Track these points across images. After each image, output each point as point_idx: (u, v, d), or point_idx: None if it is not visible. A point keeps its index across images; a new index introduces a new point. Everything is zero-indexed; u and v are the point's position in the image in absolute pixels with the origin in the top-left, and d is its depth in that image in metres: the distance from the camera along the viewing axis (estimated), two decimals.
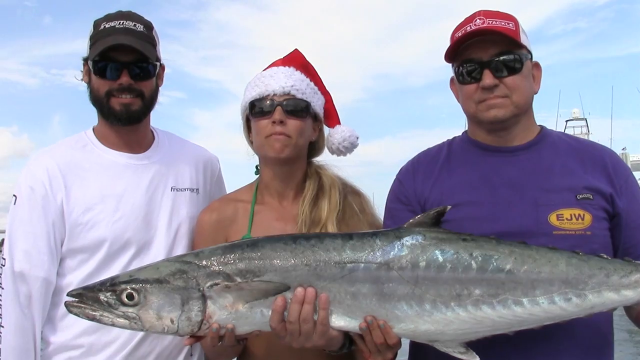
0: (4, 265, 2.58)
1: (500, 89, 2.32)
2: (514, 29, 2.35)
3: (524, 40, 2.36)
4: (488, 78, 2.30)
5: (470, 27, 2.35)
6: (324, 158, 2.78)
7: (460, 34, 2.36)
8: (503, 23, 2.34)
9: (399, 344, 2.17)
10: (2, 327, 2.52)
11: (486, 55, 2.32)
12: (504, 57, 2.32)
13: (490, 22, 2.34)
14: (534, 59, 2.44)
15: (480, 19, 2.36)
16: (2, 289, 2.55)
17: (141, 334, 2.56)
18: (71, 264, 2.61)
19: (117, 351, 2.57)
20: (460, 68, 2.39)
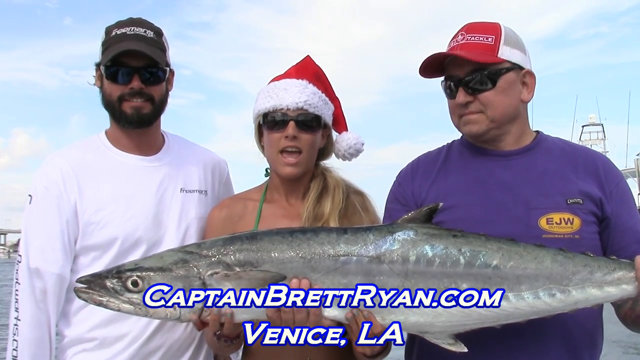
0: (20, 262, 2.67)
1: (474, 104, 2.37)
2: (492, 43, 2.37)
3: (503, 53, 2.37)
4: (461, 96, 2.37)
5: (451, 45, 2.43)
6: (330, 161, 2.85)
7: (431, 57, 2.42)
8: (481, 38, 2.38)
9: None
10: (19, 320, 2.61)
11: (462, 72, 2.38)
12: (476, 74, 2.35)
13: (470, 38, 2.39)
14: (531, 67, 2.45)
15: (462, 34, 2.42)
16: (19, 284, 2.64)
17: (153, 327, 2.65)
18: (84, 261, 2.69)
19: (129, 344, 2.65)
20: (444, 84, 2.47)
